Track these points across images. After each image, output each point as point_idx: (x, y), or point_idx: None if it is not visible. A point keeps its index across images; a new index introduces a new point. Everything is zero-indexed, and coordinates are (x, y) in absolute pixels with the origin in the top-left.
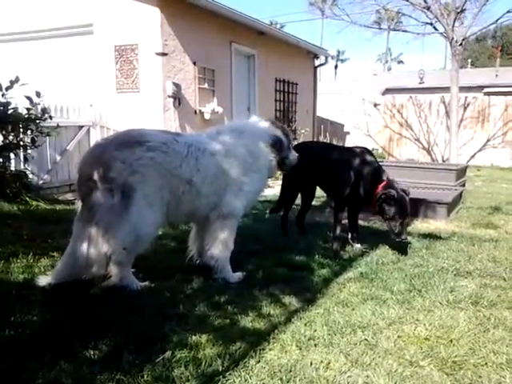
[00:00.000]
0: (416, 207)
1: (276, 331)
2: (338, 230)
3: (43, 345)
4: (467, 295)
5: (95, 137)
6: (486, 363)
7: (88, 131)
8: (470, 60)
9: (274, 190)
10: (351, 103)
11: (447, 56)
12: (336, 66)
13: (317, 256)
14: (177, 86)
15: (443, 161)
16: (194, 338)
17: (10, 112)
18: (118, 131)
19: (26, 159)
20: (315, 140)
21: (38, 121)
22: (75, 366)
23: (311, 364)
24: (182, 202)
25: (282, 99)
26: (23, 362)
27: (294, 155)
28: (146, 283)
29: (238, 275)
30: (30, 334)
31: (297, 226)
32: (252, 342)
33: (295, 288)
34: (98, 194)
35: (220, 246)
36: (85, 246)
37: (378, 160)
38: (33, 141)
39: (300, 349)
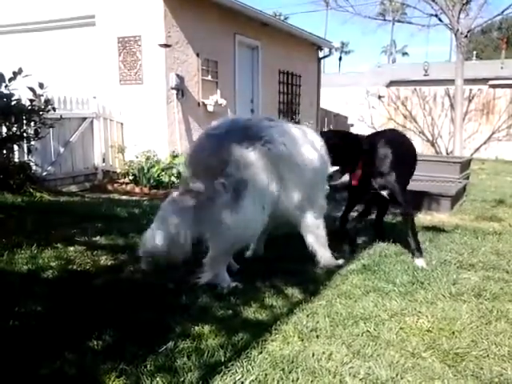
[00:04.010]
0: (419, 200)
1: (278, 322)
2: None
3: (47, 335)
4: (470, 288)
5: (98, 128)
6: (488, 355)
7: (91, 123)
8: (475, 52)
9: None
10: (355, 95)
11: (452, 48)
12: (340, 58)
13: None
14: (180, 77)
15: (447, 153)
16: (196, 328)
17: (13, 103)
18: (226, 117)
19: (29, 151)
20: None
21: (41, 112)
22: (79, 356)
23: (313, 355)
24: (275, 201)
25: (285, 91)
26: (27, 352)
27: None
28: (238, 283)
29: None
30: (34, 324)
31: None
32: (254, 332)
33: (298, 280)
34: (211, 188)
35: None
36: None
37: None
38: (36, 132)
39: (302, 340)
